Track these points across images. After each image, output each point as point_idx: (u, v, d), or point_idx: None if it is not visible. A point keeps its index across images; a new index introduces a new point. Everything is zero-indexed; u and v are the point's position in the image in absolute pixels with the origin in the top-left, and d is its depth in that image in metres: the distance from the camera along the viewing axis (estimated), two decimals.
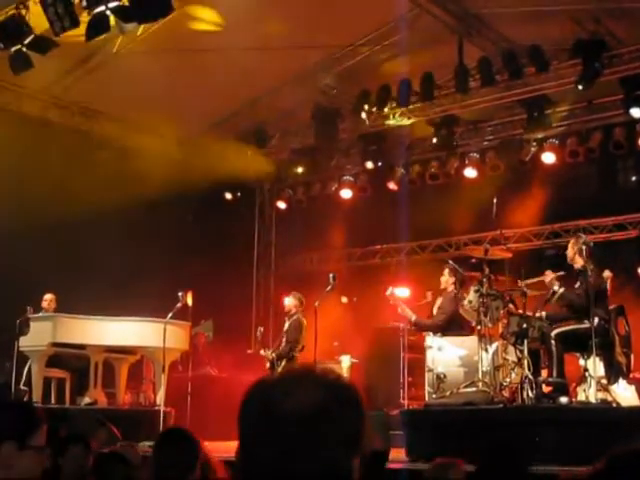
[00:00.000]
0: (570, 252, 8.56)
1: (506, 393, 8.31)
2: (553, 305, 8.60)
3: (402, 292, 12.02)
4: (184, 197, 13.07)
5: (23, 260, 11.34)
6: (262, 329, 11.50)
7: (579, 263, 8.39)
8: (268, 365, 10.75)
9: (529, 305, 8.50)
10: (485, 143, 13.50)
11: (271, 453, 1.44)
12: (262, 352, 10.96)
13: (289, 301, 11.09)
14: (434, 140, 13.25)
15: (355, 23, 11.55)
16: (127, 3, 9.04)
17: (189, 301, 11.24)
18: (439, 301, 10.13)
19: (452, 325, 9.73)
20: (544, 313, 8.49)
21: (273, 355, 10.76)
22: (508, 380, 8.40)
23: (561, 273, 8.50)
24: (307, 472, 1.44)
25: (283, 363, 10.63)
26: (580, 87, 11.05)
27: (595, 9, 10.53)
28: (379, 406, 10.26)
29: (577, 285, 8.32)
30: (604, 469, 1.64)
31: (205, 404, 11.42)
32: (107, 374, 11.14)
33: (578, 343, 8.15)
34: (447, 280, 10.09)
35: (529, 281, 8.63)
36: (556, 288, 8.37)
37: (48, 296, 11.12)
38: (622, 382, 8.26)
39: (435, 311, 10.10)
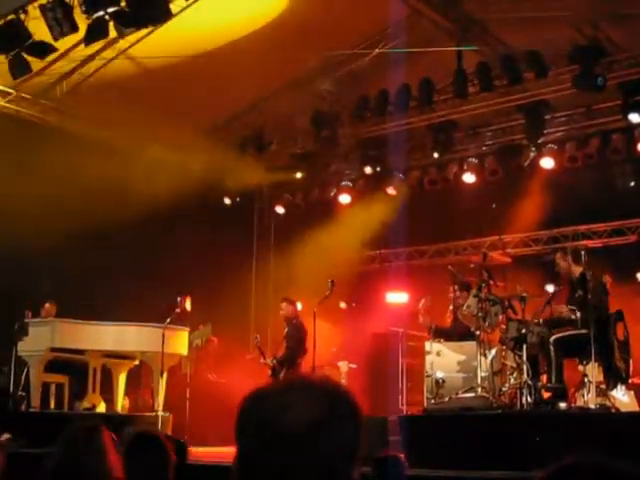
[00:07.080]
0: (562, 265, 8.52)
1: (505, 399, 8.29)
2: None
3: (400, 297, 12.00)
4: (182, 203, 13.04)
5: (22, 265, 11.33)
6: (259, 336, 11.36)
7: (577, 271, 8.37)
8: (270, 372, 10.62)
9: (528, 309, 8.48)
10: (484, 148, 13.49)
11: (270, 467, 1.44)
12: (262, 361, 10.84)
13: (284, 307, 10.99)
14: (433, 145, 13.26)
15: (354, 28, 11.56)
16: (126, 8, 9.06)
17: (188, 306, 11.23)
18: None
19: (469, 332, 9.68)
20: (541, 320, 8.47)
21: (274, 362, 10.67)
22: (507, 386, 8.38)
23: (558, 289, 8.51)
24: None
25: (285, 369, 10.50)
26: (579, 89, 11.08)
27: (594, 15, 10.56)
28: (377, 412, 10.23)
29: (578, 294, 8.27)
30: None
31: (204, 409, 11.39)
32: (105, 379, 11.11)
33: (577, 349, 8.12)
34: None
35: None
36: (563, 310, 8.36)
37: (48, 305, 11.00)
38: (621, 387, 8.25)
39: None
